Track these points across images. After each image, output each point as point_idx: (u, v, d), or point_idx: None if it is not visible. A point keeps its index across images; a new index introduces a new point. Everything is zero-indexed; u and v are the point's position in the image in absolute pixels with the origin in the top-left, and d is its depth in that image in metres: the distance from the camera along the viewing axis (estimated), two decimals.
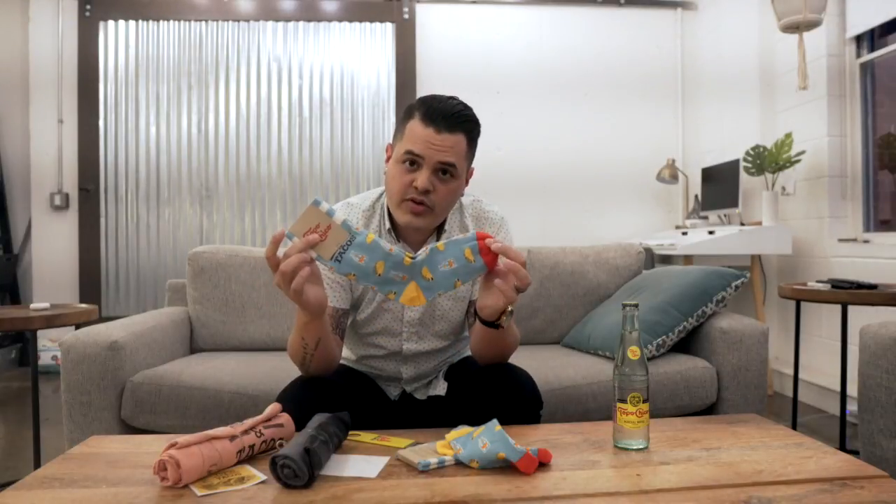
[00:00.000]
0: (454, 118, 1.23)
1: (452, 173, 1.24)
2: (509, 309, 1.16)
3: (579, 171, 4.28)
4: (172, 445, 0.92)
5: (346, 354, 1.51)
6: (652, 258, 3.70)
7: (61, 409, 1.74)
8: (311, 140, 4.18)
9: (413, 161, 1.23)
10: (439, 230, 1.36)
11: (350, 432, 1.13)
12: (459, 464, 1.00)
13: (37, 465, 1.93)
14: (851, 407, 2.62)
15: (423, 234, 1.34)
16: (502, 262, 1.10)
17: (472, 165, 1.34)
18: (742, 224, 3.51)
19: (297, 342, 1.21)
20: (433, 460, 0.99)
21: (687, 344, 2.01)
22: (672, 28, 4.34)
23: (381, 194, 1.38)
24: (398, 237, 1.34)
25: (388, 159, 1.30)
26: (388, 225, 1.33)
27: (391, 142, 1.32)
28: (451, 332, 1.41)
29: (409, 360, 1.42)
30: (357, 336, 1.43)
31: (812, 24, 2.82)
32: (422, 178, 1.21)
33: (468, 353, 1.52)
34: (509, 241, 1.41)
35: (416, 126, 1.23)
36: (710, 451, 1.07)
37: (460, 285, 1.12)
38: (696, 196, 3.95)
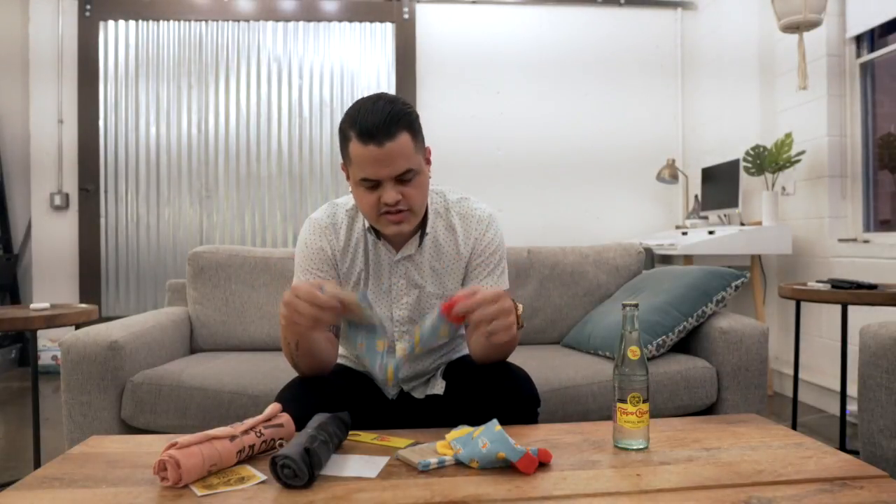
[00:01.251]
0: (388, 123, 1.17)
1: (413, 175, 1.23)
2: (520, 322, 1.22)
3: (580, 170, 4.28)
4: (172, 445, 0.92)
5: (344, 353, 1.51)
6: (652, 258, 3.70)
7: (61, 409, 1.74)
8: (311, 140, 4.18)
9: (371, 183, 1.21)
10: (422, 232, 1.35)
11: (350, 432, 1.13)
12: (459, 464, 1.00)
13: (37, 465, 1.93)
14: (851, 407, 2.62)
15: (403, 237, 1.34)
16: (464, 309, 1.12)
17: (428, 145, 1.32)
18: (742, 224, 3.51)
19: (283, 339, 1.24)
20: (433, 460, 0.99)
21: (687, 344, 2.01)
22: (672, 28, 4.34)
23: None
24: (379, 236, 1.34)
25: (347, 177, 1.29)
26: (367, 224, 1.34)
27: (342, 161, 1.28)
28: None
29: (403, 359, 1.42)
30: (351, 333, 1.43)
31: (812, 24, 2.82)
32: (388, 194, 1.21)
33: (466, 350, 1.52)
34: (498, 240, 1.40)
35: (356, 148, 1.19)
36: (710, 451, 1.07)
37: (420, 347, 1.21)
38: (696, 196, 3.94)
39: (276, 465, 0.92)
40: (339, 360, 1.51)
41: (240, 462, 1.00)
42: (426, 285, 1.36)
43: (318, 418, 1.04)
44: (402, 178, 1.21)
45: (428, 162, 1.31)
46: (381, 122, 1.17)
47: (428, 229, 1.35)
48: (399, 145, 1.19)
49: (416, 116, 1.26)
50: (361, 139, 1.18)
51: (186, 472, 0.91)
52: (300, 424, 1.06)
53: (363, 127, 1.17)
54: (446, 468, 0.99)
